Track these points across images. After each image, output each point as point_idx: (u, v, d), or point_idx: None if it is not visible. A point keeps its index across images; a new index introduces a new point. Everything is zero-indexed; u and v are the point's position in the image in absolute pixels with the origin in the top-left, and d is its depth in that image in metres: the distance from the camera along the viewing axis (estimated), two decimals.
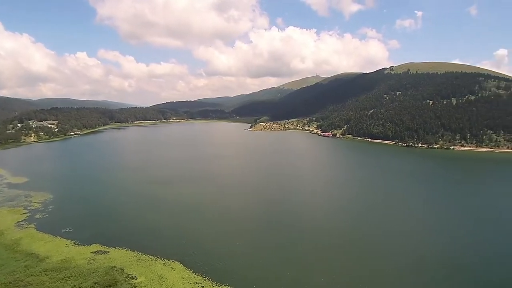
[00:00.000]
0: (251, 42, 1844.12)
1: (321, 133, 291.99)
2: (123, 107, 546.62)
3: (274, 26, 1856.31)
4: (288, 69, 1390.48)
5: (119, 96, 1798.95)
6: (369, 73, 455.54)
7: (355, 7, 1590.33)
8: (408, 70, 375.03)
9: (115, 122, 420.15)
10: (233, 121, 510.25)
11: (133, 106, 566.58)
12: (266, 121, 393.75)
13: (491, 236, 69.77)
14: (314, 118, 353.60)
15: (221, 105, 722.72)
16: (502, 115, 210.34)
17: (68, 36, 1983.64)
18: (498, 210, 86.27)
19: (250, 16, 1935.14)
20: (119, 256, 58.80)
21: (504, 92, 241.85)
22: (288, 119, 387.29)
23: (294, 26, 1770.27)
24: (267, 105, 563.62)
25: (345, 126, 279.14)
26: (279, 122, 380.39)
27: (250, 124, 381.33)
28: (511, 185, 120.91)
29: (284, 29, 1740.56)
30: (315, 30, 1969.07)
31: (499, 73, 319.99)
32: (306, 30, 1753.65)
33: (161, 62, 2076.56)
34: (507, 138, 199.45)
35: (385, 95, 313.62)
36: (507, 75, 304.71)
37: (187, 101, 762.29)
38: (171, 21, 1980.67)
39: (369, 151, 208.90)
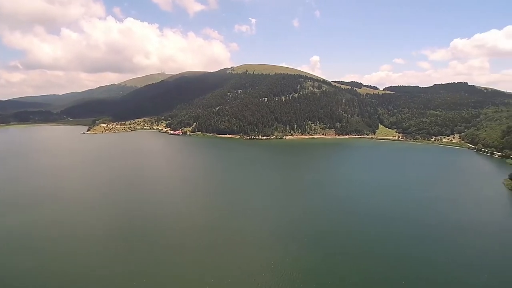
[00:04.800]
0: (84, 31, 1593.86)
1: (171, 132, 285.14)
2: None
3: (111, 16, 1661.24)
4: (131, 64, 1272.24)
5: None
6: (214, 72, 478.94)
7: (198, 7, 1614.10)
8: (246, 71, 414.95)
9: None
10: (64, 124, 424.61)
11: None
12: (107, 122, 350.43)
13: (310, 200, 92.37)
14: (163, 117, 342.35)
15: (47, 105, 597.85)
16: (317, 109, 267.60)
17: None
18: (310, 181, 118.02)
19: (82, 1, 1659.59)
20: None
21: (318, 90, 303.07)
22: (134, 118, 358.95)
23: (134, 18, 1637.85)
24: (108, 104, 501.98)
25: (195, 123, 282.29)
26: (124, 122, 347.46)
27: (87, 127, 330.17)
28: (323, 160, 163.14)
29: (123, 21, 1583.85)
30: (158, 25, 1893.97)
31: (314, 75, 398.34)
32: (148, 24, 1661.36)
33: None
34: (322, 126, 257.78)
35: (228, 93, 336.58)
36: (319, 77, 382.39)
37: None
38: None
39: (218, 145, 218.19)
